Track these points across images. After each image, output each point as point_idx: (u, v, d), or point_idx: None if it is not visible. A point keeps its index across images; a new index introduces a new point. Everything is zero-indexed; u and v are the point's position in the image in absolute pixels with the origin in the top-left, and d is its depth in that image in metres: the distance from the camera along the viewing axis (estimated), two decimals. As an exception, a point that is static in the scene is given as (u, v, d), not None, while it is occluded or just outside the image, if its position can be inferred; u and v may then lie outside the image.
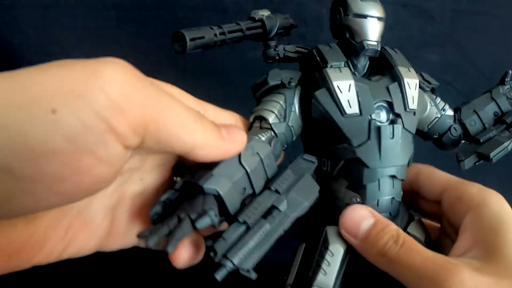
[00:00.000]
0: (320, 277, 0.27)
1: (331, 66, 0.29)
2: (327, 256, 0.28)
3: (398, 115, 0.29)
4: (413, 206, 0.34)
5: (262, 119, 0.29)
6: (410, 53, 0.53)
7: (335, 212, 0.29)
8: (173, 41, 0.26)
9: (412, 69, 0.31)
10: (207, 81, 0.48)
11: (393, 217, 0.30)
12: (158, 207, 0.23)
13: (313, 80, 0.29)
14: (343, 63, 0.29)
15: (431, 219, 0.33)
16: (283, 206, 0.24)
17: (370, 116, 0.28)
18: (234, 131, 0.24)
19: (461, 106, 0.34)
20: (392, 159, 0.29)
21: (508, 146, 0.31)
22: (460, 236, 0.28)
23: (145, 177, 0.26)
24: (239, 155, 0.24)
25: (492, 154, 0.31)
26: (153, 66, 0.45)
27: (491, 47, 0.54)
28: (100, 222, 0.24)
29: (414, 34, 0.54)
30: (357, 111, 0.28)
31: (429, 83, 0.33)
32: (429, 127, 0.33)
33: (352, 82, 0.28)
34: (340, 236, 0.28)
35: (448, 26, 0.54)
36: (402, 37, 0.54)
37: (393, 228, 0.27)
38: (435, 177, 0.32)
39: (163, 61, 0.47)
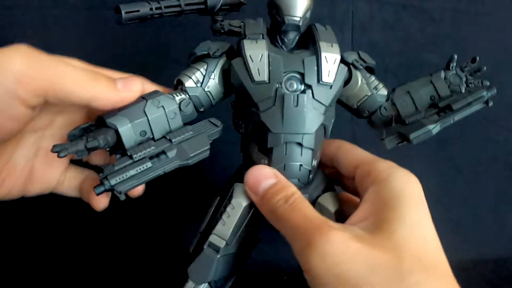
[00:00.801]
0: (219, 226, 0.30)
1: (248, 38, 0.31)
2: (229, 209, 0.31)
3: (309, 86, 0.31)
4: (338, 182, 0.35)
5: (181, 82, 0.32)
6: (410, 53, 0.54)
7: (245, 170, 0.31)
8: (115, 13, 0.29)
9: (335, 45, 0.32)
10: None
11: (302, 183, 0.32)
12: (76, 131, 0.29)
13: (237, 51, 0.32)
14: (261, 35, 0.32)
15: (352, 194, 0.34)
16: (171, 153, 0.29)
17: (279, 84, 0.30)
18: (129, 82, 0.30)
19: (397, 87, 0.34)
20: (296, 126, 0.30)
21: (432, 129, 0.31)
22: (359, 207, 0.29)
23: (55, 133, 0.32)
24: (145, 104, 0.29)
25: (412, 136, 0.31)
26: (154, 65, 0.45)
27: (491, 47, 0.54)
28: (22, 169, 0.31)
29: (414, 34, 0.54)
30: (265, 78, 0.30)
31: (365, 61, 0.34)
32: (358, 104, 0.34)
33: (264, 52, 0.31)
34: (245, 192, 0.31)
35: (448, 26, 0.54)
36: (402, 37, 0.54)
37: (291, 190, 0.29)
38: (352, 153, 0.33)
39: (167, 59, 0.47)
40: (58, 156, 0.26)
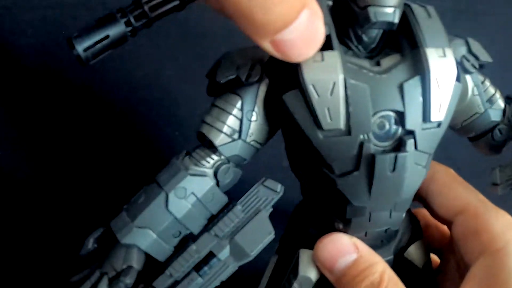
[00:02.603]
0: None
1: None
2: (296, 284, 0.24)
3: (410, 132, 0.20)
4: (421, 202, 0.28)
5: (208, 139, 0.22)
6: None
7: (314, 228, 0.24)
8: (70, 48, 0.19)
9: (448, 51, 0.20)
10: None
11: (386, 242, 0.25)
12: (87, 248, 0.23)
13: (284, 71, 0.20)
14: (328, 39, 0.19)
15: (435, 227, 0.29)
16: (223, 254, 0.21)
17: (366, 135, 0.20)
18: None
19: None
20: (388, 196, 0.21)
21: None
22: (465, 282, 0.23)
23: None
24: (166, 199, 0.21)
25: None
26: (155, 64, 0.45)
27: (491, 47, 0.54)
28: None
29: (414, 34, 0.54)
30: (342, 126, 0.19)
31: (477, 58, 0.23)
32: (463, 124, 0.24)
33: (339, 78, 0.18)
34: (313, 263, 0.24)
35: (448, 26, 0.54)
36: (402, 37, 0.54)
37: (377, 269, 0.22)
38: (452, 192, 0.25)
39: (167, 59, 0.47)
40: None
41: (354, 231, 0.23)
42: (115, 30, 0.18)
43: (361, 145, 0.19)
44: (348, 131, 0.19)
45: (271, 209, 0.22)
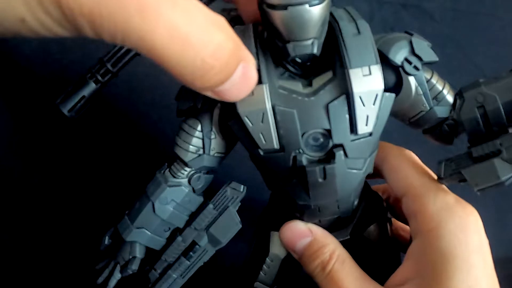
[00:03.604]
0: (261, 275, 0.30)
1: None
2: (268, 260, 0.30)
3: (339, 145, 0.22)
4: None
5: (180, 158, 0.26)
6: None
7: (279, 217, 0.29)
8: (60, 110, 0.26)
9: (375, 68, 0.21)
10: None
11: (342, 226, 0.28)
12: (101, 264, 0.30)
13: (228, 104, 0.23)
14: (256, 70, 0.20)
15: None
16: (203, 242, 0.28)
17: (298, 150, 0.22)
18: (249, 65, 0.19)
19: (468, 89, 0.23)
20: (326, 197, 0.24)
21: (506, 180, 0.21)
22: (403, 262, 0.25)
23: None
24: (153, 207, 0.27)
25: (476, 187, 0.22)
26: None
27: (491, 47, 0.54)
28: None
29: (414, 34, 0.54)
30: (275, 145, 0.22)
31: (421, 58, 0.23)
32: (411, 120, 0.26)
33: (267, 108, 0.21)
34: (281, 244, 0.29)
35: (448, 26, 0.54)
36: (402, 37, 0.54)
37: (328, 250, 0.26)
38: (399, 174, 0.27)
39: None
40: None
41: (308, 219, 0.27)
42: (88, 90, 0.26)
43: (294, 159, 0.22)
44: (282, 148, 0.22)
45: (238, 204, 0.27)
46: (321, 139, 0.22)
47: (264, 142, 0.22)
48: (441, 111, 0.24)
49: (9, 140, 0.47)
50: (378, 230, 0.29)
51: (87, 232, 0.49)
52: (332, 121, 0.22)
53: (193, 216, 0.28)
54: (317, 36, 0.20)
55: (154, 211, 0.27)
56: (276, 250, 0.29)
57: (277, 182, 0.25)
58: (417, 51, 0.23)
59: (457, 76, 0.56)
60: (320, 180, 0.23)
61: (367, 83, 0.21)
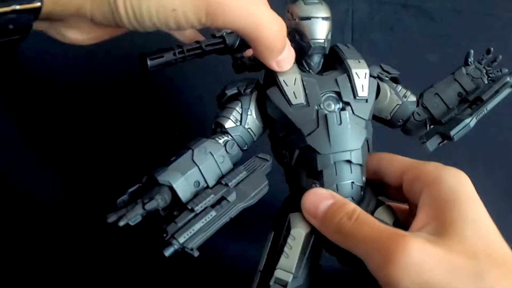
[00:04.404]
0: (282, 260, 0.29)
1: None
2: (289, 240, 0.30)
3: (347, 103, 0.32)
4: (383, 194, 0.34)
5: (220, 125, 0.32)
6: (410, 53, 0.54)
7: (300, 201, 0.30)
8: (139, 62, 0.30)
9: (362, 61, 0.33)
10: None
11: (356, 202, 0.31)
12: (125, 196, 0.28)
13: (268, 82, 0.32)
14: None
15: (400, 203, 0.34)
16: (231, 197, 0.28)
17: (318, 105, 0.31)
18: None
19: (424, 91, 0.35)
20: (343, 144, 0.31)
21: (470, 122, 0.31)
22: (417, 213, 0.28)
23: None
24: (192, 153, 0.29)
25: (452, 132, 0.31)
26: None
27: (491, 47, 0.54)
28: None
29: (414, 34, 0.54)
30: (303, 101, 0.31)
31: (389, 73, 0.35)
32: (391, 114, 0.35)
33: (297, 76, 0.31)
34: (302, 220, 0.30)
35: (448, 26, 0.54)
36: (402, 37, 0.54)
37: (350, 206, 0.28)
38: (395, 162, 0.32)
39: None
40: (118, 226, 0.26)
41: (327, 185, 0.31)
42: (168, 55, 0.30)
43: (317, 111, 0.31)
44: (307, 103, 0.31)
45: (267, 170, 0.31)
46: (333, 102, 0.32)
47: (295, 98, 0.31)
48: (410, 103, 0.35)
49: (10, 139, 0.47)
50: (387, 212, 0.31)
51: (87, 229, 0.49)
52: (341, 86, 0.32)
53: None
54: (326, 39, 0.32)
55: (192, 156, 0.29)
56: (298, 226, 0.30)
57: (299, 142, 0.31)
58: (385, 69, 0.35)
59: (457, 76, 0.56)
60: (337, 125, 0.30)
61: (359, 66, 0.33)
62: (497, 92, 0.33)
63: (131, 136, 0.48)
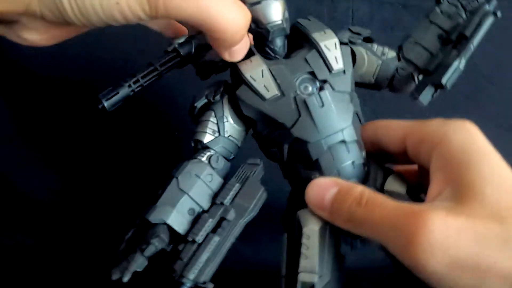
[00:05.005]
0: (302, 262, 0.27)
1: (240, 61, 0.29)
2: (304, 240, 0.28)
3: (324, 81, 0.29)
4: (388, 161, 0.32)
5: (199, 141, 0.30)
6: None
7: (304, 195, 0.28)
8: (96, 105, 0.28)
9: (328, 30, 0.30)
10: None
11: (362, 180, 0.29)
12: (123, 245, 0.27)
13: (236, 81, 0.30)
14: (251, 53, 0.29)
15: (408, 166, 0.32)
16: (230, 216, 0.27)
17: (294, 92, 0.29)
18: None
19: (402, 43, 0.32)
20: (331, 126, 0.28)
21: (458, 65, 0.29)
22: (431, 179, 0.26)
23: None
24: (177, 182, 0.27)
25: (444, 79, 0.28)
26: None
27: (491, 47, 0.54)
28: None
29: (414, 34, 0.54)
30: (277, 92, 0.29)
31: (360, 34, 0.32)
32: (374, 77, 0.32)
33: (263, 67, 0.29)
34: (312, 216, 0.28)
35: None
36: (402, 37, 0.54)
37: (357, 190, 0.26)
38: (393, 128, 0.30)
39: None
40: (123, 281, 0.25)
41: (327, 172, 0.29)
42: (123, 90, 0.28)
43: (295, 99, 0.28)
44: (282, 93, 0.29)
45: (262, 173, 0.29)
46: (309, 84, 0.29)
47: (267, 91, 0.28)
48: (391, 60, 0.32)
49: (10, 139, 0.47)
50: (397, 180, 0.29)
51: (86, 229, 0.49)
52: (312, 65, 0.29)
53: (215, 197, 0.28)
54: (283, 19, 0.29)
55: (178, 185, 0.27)
56: (309, 224, 0.28)
57: (285, 136, 0.29)
58: (355, 31, 0.32)
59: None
60: (319, 108, 0.28)
61: (326, 37, 0.30)
62: (479, 24, 0.30)
63: (131, 136, 0.48)
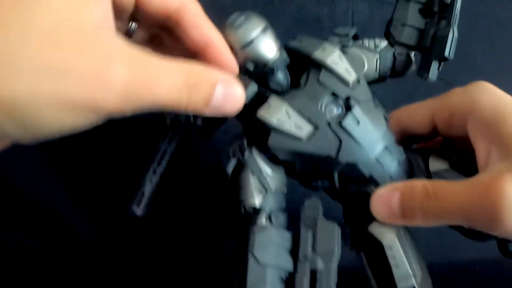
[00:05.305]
0: (396, 272, 0.28)
1: (257, 107, 0.28)
2: (388, 252, 0.28)
3: (347, 98, 0.28)
4: (411, 143, 0.33)
5: (251, 207, 0.29)
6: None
7: (363, 212, 0.28)
8: (129, 216, 0.27)
9: (325, 44, 0.29)
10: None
11: (410, 174, 0.30)
12: None
13: (258, 130, 0.28)
14: (265, 95, 0.28)
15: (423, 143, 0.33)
16: (320, 265, 0.26)
17: (326, 120, 0.27)
18: (232, 95, 0.24)
19: (389, 29, 0.33)
20: (373, 138, 0.28)
21: (454, 34, 0.29)
22: (474, 145, 0.27)
23: None
24: (255, 258, 0.26)
25: (446, 53, 0.29)
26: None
27: (491, 47, 0.54)
28: None
29: (414, 34, 0.54)
30: (310, 127, 0.27)
31: (347, 35, 0.31)
32: (377, 71, 0.32)
33: (285, 106, 0.27)
34: (384, 226, 0.28)
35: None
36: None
37: (418, 185, 0.26)
38: (416, 113, 0.31)
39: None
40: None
41: (381, 181, 0.28)
42: (147, 188, 0.28)
43: (329, 126, 0.27)
44: (315, 126, 0.27)
45: (322, 209, 0.27)
46: (334, 105, 0.28)
47: (300, 130, 0.27)
48: (386, 50, 0.32)
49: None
50: (437, 158, 0.30)
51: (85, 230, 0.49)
52: (330, 86, 0.28)
53: (294, 253, 0.27)
54: (279, 49, 0.28)
55: (257, 261, 0.26)
56: (386, 236, 0.28)
57: (336, 164, 0.27)
58: (341, 33, 0.31)
59: (457, 76, 0.56)
60: (357, 125, 0.27)
61: (328, 52, 0.29)
62: None
63: (131, 135, 0.48)
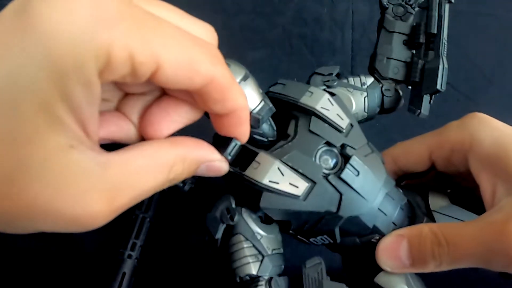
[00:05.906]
0: None
1: (244, 168, 0.25)
2: None
3: (342, 146, 0.26)
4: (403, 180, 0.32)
5: (248, 276, 0.26)
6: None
7: (367, 262, 0.27)
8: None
9: (311, 88, 0.27)
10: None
11: (412, 215, 0.28)
12: None
13: (248, 190, 0.26)
14: (259, 150, 0.26)
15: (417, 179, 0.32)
16: None
17: (323, 173, 0.25)
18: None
19: (373, 64, 0.31)
20: (373, 187, 0.26)
21: (444, 65, 0.28)
22: (478, 180, 0.26)
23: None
24: None
25: (438, 85, 0.28)
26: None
27: (491, 47, 0.54)
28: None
29: (414, 34, 0.54)
30: (306, 183, 0.25)
31: (331, 74, 0.29)
32: (366, 110, 0.30)
33: (276, 162, 0.25)
34: (391, 275, 0.27)
35: (448, 27, 0.54)
36: (402, 37, 0.54)
37: (425, 231, 0.25)
38: (412, 151, 0.29)
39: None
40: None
41: (385, 230, 0.27)
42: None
43: (327, 179, 0.25)
44: (312, 182, 0.25)
45: (325, 269, 0.26)
46: (329, 155, 0.26)
47: (296, 188, 0.25)
48: (372, 87, 0.30)
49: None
50: (436, 195, 0.29)
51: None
52: (322, 135, 0.26)
53: None
54: (262, 97, 0.25)
55: None
56: (395, 284, 0.26)
57: (336, 219, 0.25)
58: (324, 72, 0.29)
59: (457, 76, 0.56)
60: (356, 176, 0.25)
61: (316, 97, 0.26)
62: (439, 17, 0.29)
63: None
